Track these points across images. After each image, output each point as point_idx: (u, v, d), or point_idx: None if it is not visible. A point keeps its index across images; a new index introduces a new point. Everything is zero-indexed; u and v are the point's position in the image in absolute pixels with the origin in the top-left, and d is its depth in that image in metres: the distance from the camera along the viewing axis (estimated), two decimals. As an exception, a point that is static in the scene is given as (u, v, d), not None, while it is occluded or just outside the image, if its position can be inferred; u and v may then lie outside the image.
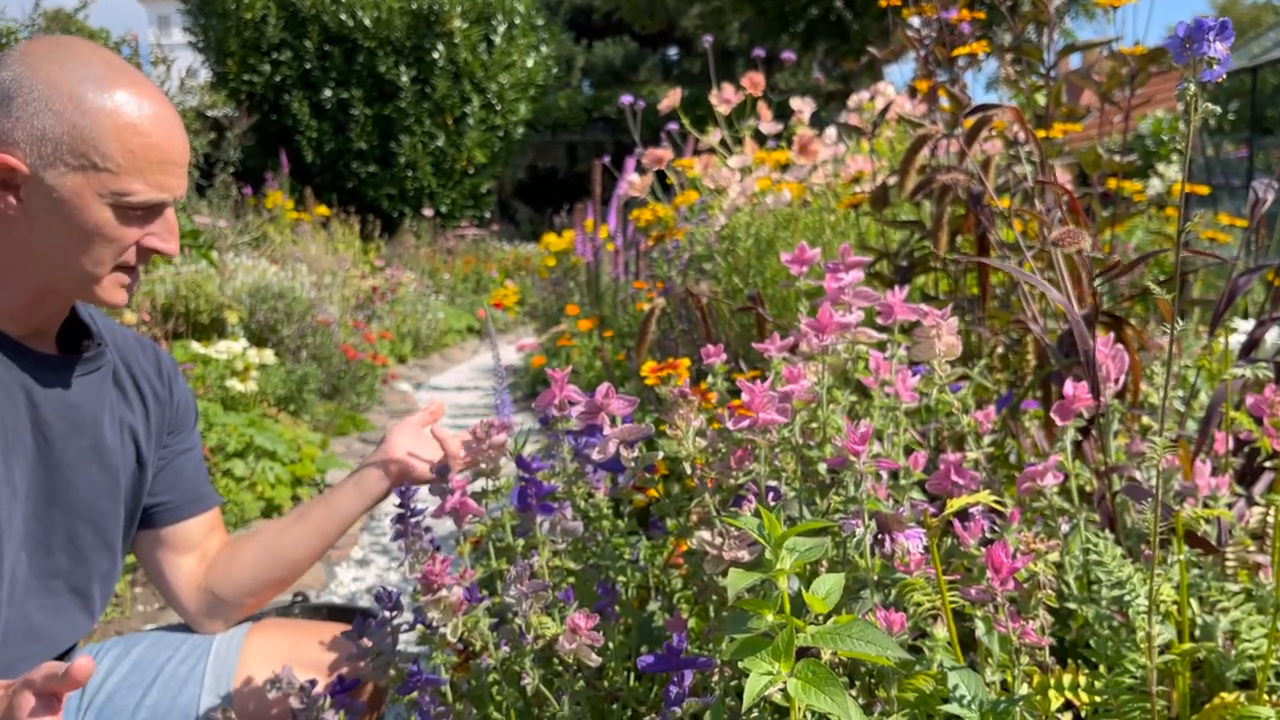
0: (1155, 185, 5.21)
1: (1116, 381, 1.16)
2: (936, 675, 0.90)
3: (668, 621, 1.04)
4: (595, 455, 1.04)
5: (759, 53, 3.79)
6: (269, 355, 3.76)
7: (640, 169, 3.51)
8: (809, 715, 0.79)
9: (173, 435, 1.22)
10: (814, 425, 1.11)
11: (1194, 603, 1.07)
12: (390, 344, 5.97)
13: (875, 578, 0.96)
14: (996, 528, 1.02)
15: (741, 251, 2.75)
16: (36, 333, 1.05)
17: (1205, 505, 1.11)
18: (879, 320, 1.14)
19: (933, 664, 0.90)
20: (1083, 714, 0.97)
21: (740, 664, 0.76)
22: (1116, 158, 2.01)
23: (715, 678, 0.98)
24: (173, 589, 1.24)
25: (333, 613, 1.42)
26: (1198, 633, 1.04)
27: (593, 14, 23.38)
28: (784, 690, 0.74)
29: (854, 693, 0.96)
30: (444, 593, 0.99)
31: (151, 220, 1.01)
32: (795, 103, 3.00)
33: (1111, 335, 1.21)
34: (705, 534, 0.93)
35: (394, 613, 1.07)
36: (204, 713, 1.16)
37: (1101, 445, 1.27)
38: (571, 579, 1.22)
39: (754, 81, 3.03)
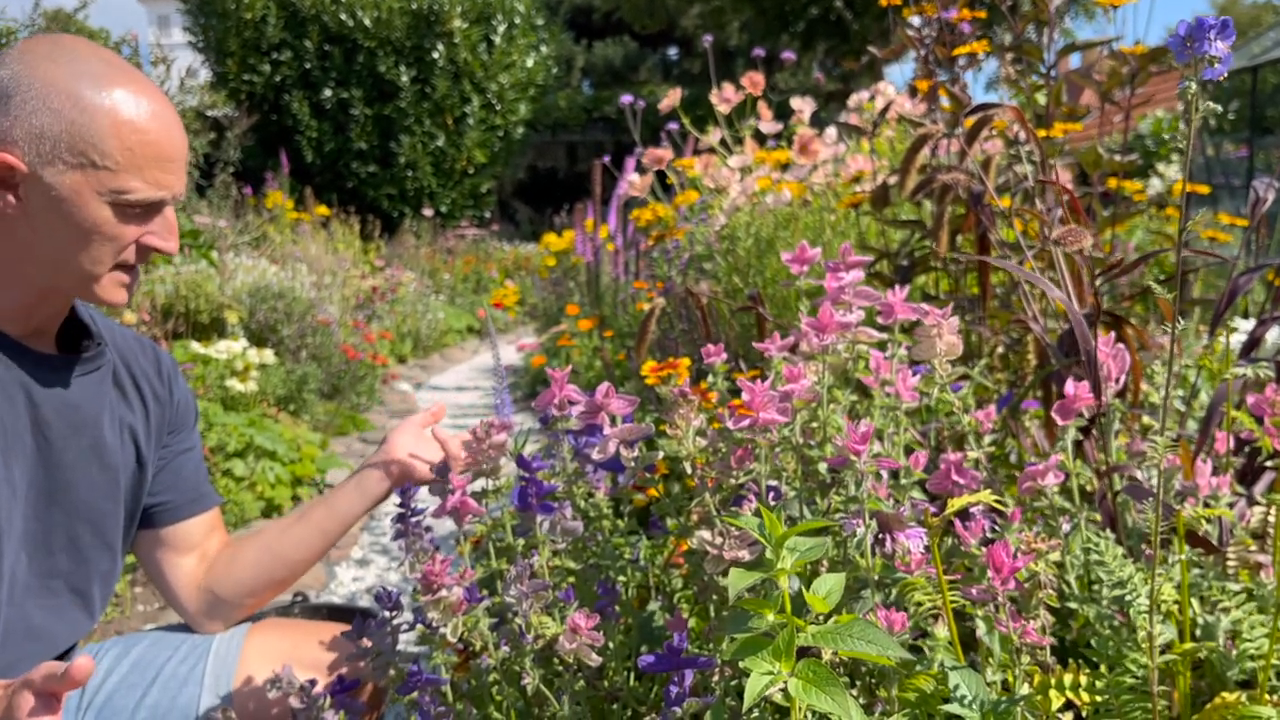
0: (1155, 185, 5.21)
1: (1118, 381, 1.15)
2: (937, 675, 0.90)
3: (668, 621, 1.04)
4: (595, 455, 1.04)
5: (759, 52, 3.79)
6: (269, 355, 3.76)
7: (640, 169, 3.51)
8: (810, 715, 0.79)
9: (173, 435, 1.22)
10: (814, 425, 1.11)
11: (1195, 602, 1.07)
12: (390, 344, 5.97)
13: (876, 577, 0.96)
14: (997, 527, 1.02)
15: (741, 251, 2.75)
16: (36, 332, 1.05)
17: (1206, 505, 1.11)
18: (879, 320, 1.14)
19: (933, 664, 0.90)
20: (1084, 714, 0.97)
21: (741, 664, 0.76)
22: (1117, 157, 2.01)
23: (716, 678, 0.98)
24: (173, 589, 1.23)
25: (333, 613, 1.42)
26: (1199, 632, 1.04)
27: (593, 14, 23.38)
28: (785, 690, 0.74)
29: (855, 692, 0.96)
30: (444, 593, 0.99)
31: (150, 218, 1.01)
32: (795, 102, 3.00)
33: (1112, 335, 1.20)
34: (706, 534, 0.93)
35: (394, 613, 1.07)
36: (204, 713, 1.16)
37: (1102, 445, 1.27)
38: (572, 579, 1.21)
39: (754, 81, 3.03)
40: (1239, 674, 1.00)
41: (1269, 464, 1.28)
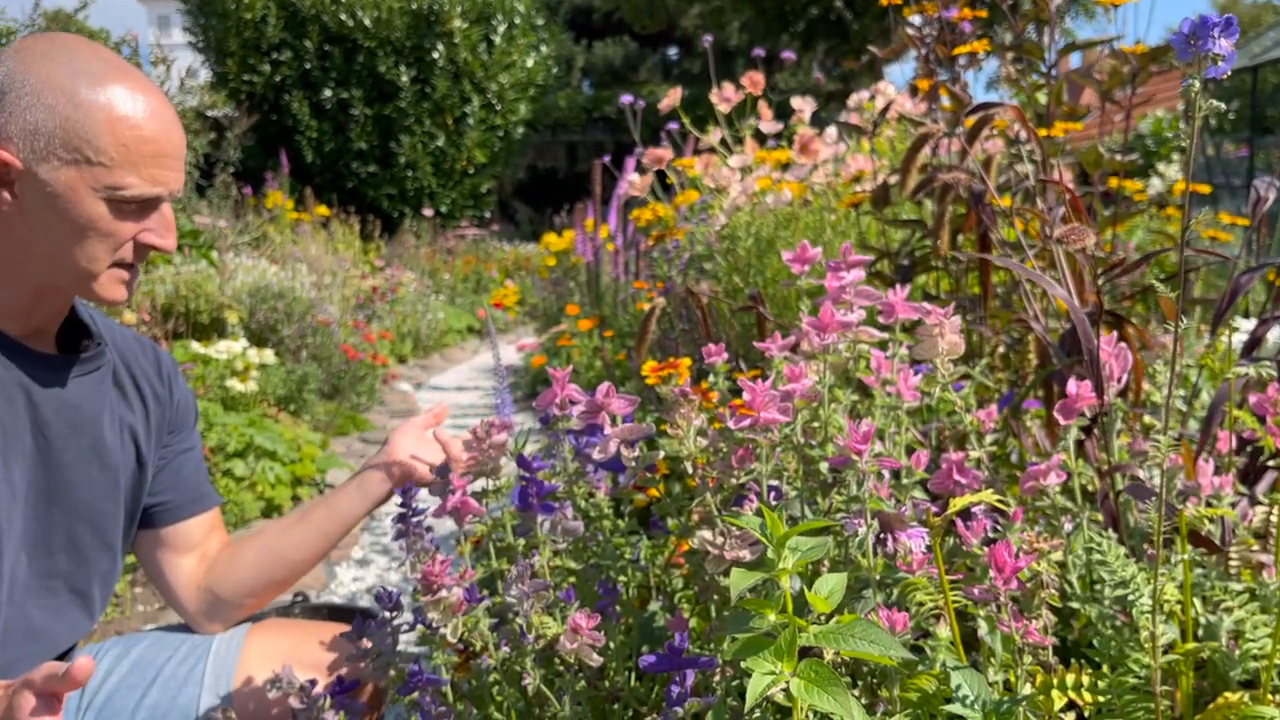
0: (1156, 185, 5.21)
1: (1120, 380, 1.15)
2: (939, 675, 0.90)
3: (669, 621, 1.03)
4: (596, 455, 1.03)
5: (759, 52, 3.79)
6: (269, 355, 3.76)
7: (640, 169, 3.51)
8: (811, 715, 0.78)
9: (173, 435, 1.22)
10: (815, 424, 1.11)
11: (1197, 602, 1.06)
12: (390, 344, 5.97)
13: (878, 577, 0.96)
14: (999, 527, 1.02)
15: (742, 251, 2.74)
16: (36, 332, 1.05)
17: (1208, 504, 1.11)
18: (880, 319, 1.13)
19: (935, 664, 0.90)
20: (1086, 714, 0.97)
21: (742, 664, 0.76)
22: (1118, 157, 2.00)
23: (717, 678, 0.98)
24: (173, 589, 1.23)
25: (333, 613, 1.42)
26: (1201, 632, 1.04)
27: (593, 14, 23.39)
28: (786, 690, 0.73)
29: (856, 692, 0.96)
30: (444, 593, 0.98)
31: (147, 215, 1.01)
32: (796, 102, 3.00)
33: (1114, 334, 1.20)
34: (707, 533, 0.93)
35: (394, 613, 1.07)
36: (204, 713, 1.16)
37: (1104, 444, 1.27)
38: (572, 579, 1.21)
39: (754, 81, 3.03)
40: (1242, 674, 1.00)
41: (1271, 463, 1.28)
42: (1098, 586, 1.06)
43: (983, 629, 0.91)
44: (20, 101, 0.94)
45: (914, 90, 2.24)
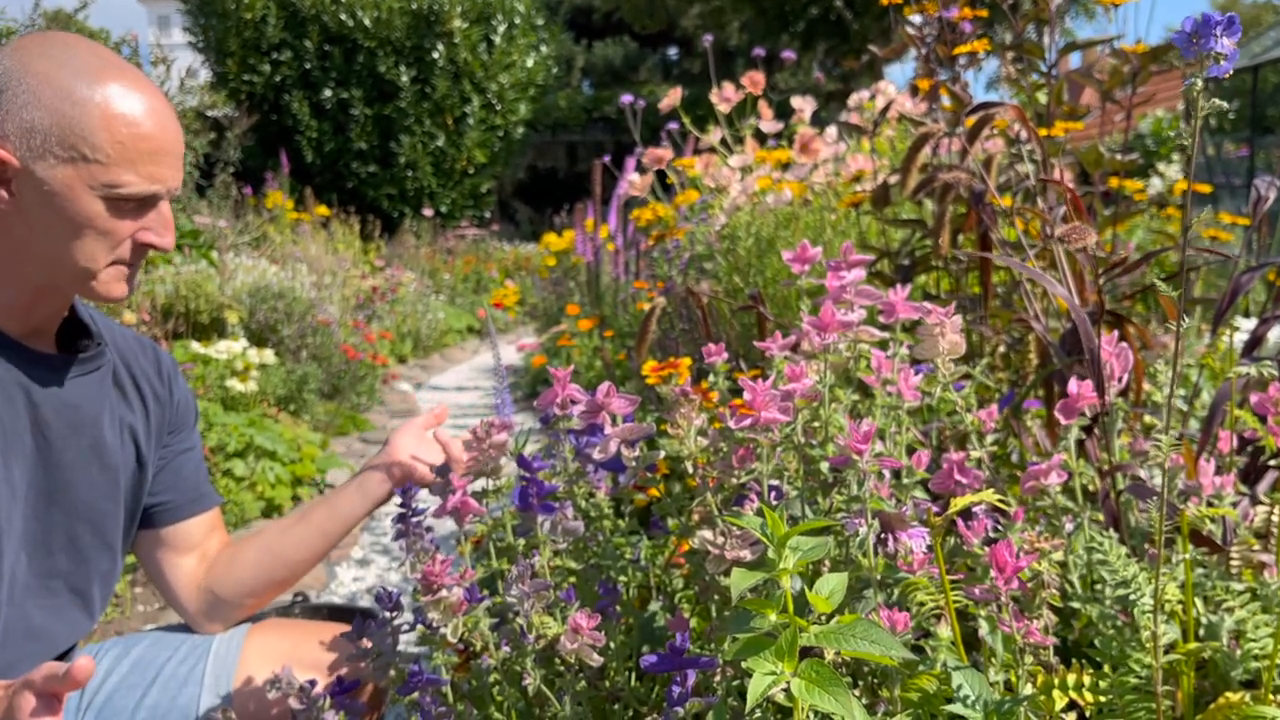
0: (1156, 184, 5.21)
1: (1121, 380, 1.15)
2: (940, 675, 0.89)
3: (670, 621, 1.03)
4: (596, 454, 1.03)
5: (759, 52, 3.79)
6: (269, 355, 3.76)
7: (640, 168, 3.51)
8: (812, 715, 0.78)
9: (173, 435, 1.22)
10: (816, 424, 1.11)
11: (1199, 602, 1.06)
12: (390, 344, 5.97)
13: (878, 577, 0.96)
14: (1000, 527, 1.02)
15: (742, 251, 2.74)
16: (36, 332, 1.05)
17: (1210, 504, 1.11)
18: (881, 319, 1.13)
19: (936, 664, 0.90)
20: (1087, 714, 0.97)
21: (743, 664, 0.75)
22: (1118, 156, 2.00)
23: (718, 678, 0.98)
24: (173, 589, 1.23)
25: (333, 613, 1.42)
26: (1202, 632, 1.04)
27: (593, 14, 23.38)
28: (787, 690, 0.73)
29: (857, 693, 0.96)
30: (444, 593, 0.98)
31: (145, 213, 1.00)
32: (796, 101, 3.00)
33: (1115, 333, 1.20)
34: (707, 533, 0.93)
35: (394, 613, 1.07)
36: (204, 713, 1.16)
37: (1105, 444, 1.27)
38: (573, 579, 1.21)
39: (754, 80, 3.03)
40: (1243, 674, 1.00)
41: (1272, 463, 1.28)
42: (1099, 586, 1.06)
43: (984, 629, 0.91)
44: (17, 99, 0.94)
45: (914, 90, 2.24)
